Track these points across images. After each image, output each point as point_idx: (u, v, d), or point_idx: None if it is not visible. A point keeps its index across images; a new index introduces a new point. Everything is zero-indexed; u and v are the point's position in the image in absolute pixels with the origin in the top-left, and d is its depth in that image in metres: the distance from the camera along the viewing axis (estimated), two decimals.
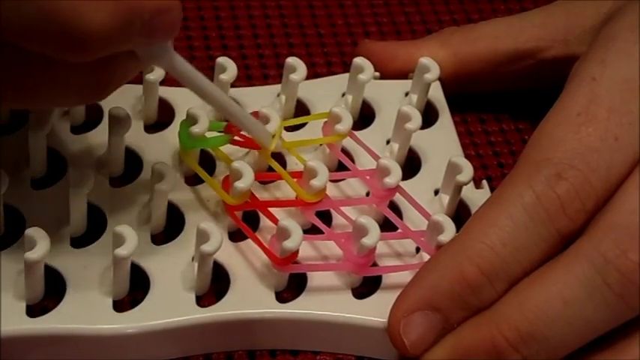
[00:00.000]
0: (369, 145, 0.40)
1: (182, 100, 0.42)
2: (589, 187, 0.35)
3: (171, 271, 0.36)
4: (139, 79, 0.40)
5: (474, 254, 0.35)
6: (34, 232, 0.34)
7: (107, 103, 0.41)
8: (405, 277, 0.37)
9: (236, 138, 0.38)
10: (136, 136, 0.40)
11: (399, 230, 0.38)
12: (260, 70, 0.47)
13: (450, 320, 0.35)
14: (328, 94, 0.43)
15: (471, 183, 0.40)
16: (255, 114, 0.39)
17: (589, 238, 0.34)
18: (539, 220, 0.35)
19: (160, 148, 0.40)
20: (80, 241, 0.37)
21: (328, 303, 0.37)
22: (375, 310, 0.36)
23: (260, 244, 0.37)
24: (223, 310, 0.36)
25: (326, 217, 0.39)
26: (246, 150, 0.40)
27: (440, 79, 0.43)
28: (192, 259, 0.37)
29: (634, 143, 0.35)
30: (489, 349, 0.34)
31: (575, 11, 0.43)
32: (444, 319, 0.35)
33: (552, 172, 0.35)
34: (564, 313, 0.34)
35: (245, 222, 0.37)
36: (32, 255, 0.34)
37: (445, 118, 0.44)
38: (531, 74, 0.45)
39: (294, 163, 0.40)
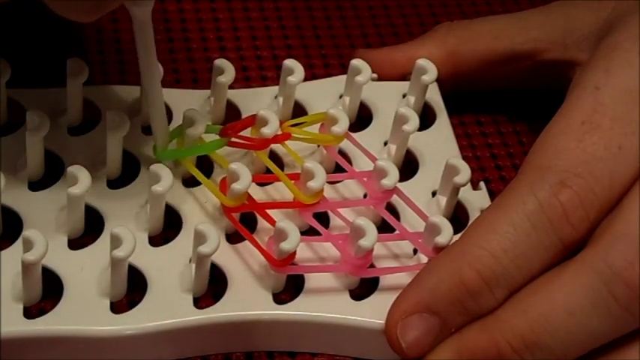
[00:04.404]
0: (367, 147, 0.40)
1: (180, 101, 0.42)
2: (593, 196, 0.35)
3: (169, 272, 0.36)
4: (137, 81, 0.40)
5: (474, 260, 0.34)
6: (31, 233, 0.34)
7: (105, 105, 0.41)
8: (403, 278, 0.37)
9: (233, 140, 0.38)
10: (133, 137, 0.40)
11: (397, 232, 0.38)
12: (258, 72, 0.47)
13: (447, 324, 0.35)
14: (326, 96, 0.43)
15: (469, 184, 0.40)
16: (254, 116, 0.39)
17: (595, 248, 0.34)
18: (542, 228, 0.35)
19: None
20: (78, 242, 0.37)
21: (326, 305, 0.37)
22: (372, 312, 0.36)
23: (257, 246, 0.37)
24: (221, 311, 0.36)
25: (323, 218, 0.39)
26: (244, 151, 0.40)
27: (437, 77, 0.43)
28: (190, 261, 0.37)
29: (637, 152, 0.35)
30: (493, 354, 0.34)
31: (573, 14, 0.43)
32: (441, 322, 0.35)
33: (556, 180, 0.35)
34: (569, 323, 0.33)
35: (242, 224, 0.37)
36: (29, 256, 0.34)
37: (443, 120, 0.44)
38: (529, 75, 0.45)
39: (291, 165, 0.40)
